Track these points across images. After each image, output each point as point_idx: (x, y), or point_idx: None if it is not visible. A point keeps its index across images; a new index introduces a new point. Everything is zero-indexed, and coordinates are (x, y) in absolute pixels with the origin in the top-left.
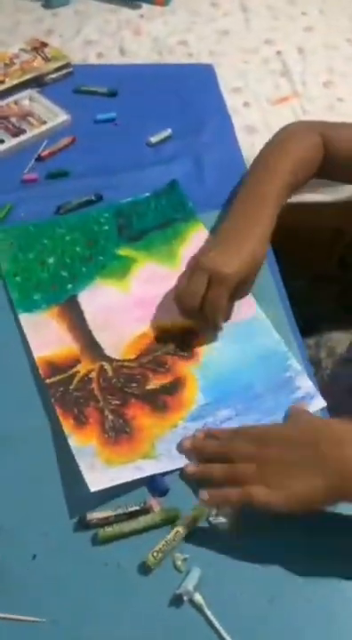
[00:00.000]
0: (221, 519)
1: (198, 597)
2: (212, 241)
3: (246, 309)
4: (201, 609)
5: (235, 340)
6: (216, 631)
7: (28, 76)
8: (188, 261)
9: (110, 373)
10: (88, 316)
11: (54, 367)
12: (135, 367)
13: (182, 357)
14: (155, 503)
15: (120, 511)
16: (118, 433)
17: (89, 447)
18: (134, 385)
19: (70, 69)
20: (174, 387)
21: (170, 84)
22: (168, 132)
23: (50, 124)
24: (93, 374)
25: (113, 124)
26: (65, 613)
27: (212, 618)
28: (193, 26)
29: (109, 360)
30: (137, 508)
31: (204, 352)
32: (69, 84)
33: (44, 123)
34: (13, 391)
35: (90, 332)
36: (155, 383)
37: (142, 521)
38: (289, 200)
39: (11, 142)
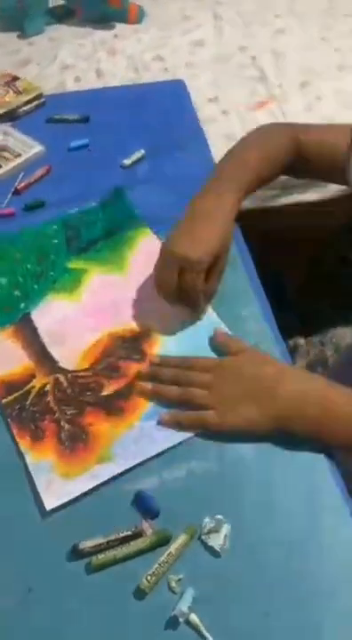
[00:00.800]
0: (213, 539)
1: (194, 617)
2: (177, 226)
3: None
4: (198, 629)
5: (184, 337)
6: None
7: (0, 112)
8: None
9: (65, 384)
10: (41, 331)
11: (10, 386)
12: (90, 376)
13: (135, 360)
14: (146, 526)
15: (112, 537)
16: (74, 442)
17: (46, 462)
18: (89, 393)
19: (42, 100)
20: (129, 390)
21: (141, 104)
22: (141, 152)
23: (24, 157)
24: (48, 387)
25: (87, 150)
26: None
27: (208, 637)
28: (167, 40)
29: (64, 372)
30: (129, 532)
31: (155, 353)
32: (42, 114)
33: (19, 155)
34: None
35: (43, 346)
36: (109, 389)
37: (134, 545)
38: (293, 200)
39: None
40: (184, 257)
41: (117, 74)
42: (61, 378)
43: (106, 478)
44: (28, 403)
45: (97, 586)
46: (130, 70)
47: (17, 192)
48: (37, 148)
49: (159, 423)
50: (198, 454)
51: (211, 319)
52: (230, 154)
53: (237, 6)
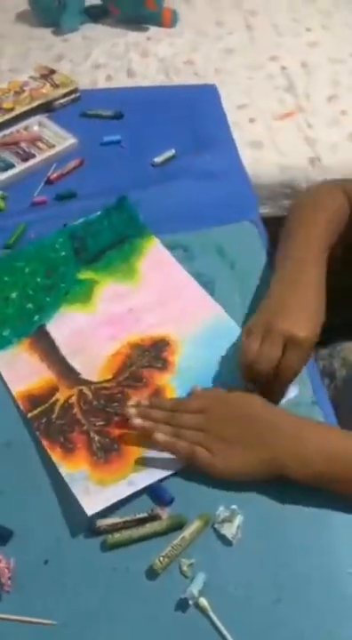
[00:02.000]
0: (226, 528)
1: (203, 601)
2: (268, 307)
3: (208, 309)
4: (206, 613)
5: (204, 343)
6: (221, 634)
7: (36, 103)
8: (253, 324)
9: (90, 396)
10: (59, 343)
11: (34, 400)
12: (114, 387)
13: (157, 369)
14: (162, 510)
15: (128, 518)
16: (107, 452)
17: (80, 472)
18: (116, 404)
19: (77, 94)
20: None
21: (174, 105)
22: (172, 152)
23: (58, 148)
24: (73, 399)
25: (119, 146)
26: (74, 616)
27: (217, 622)
28: (199, 45)
29: (87, 383)
30: (145, 515)
31: (178, 360)
32: (77, 108)
33: (53, 147)
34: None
35: (63, 358)
36: (134, 400)
37: (150, 527)
38: None
39: (21, 167)
40: (293, 334)
41: (148, 75)
42: (85, 390)
43: (143, 486)
44: (54, 416)
45: (110, 563)
46: (161, 73)
47: (49, 182)
48: (71, 140)
49: None
50: None
51: (224, 321)
52: (297, 227)
53: (270, 16)
